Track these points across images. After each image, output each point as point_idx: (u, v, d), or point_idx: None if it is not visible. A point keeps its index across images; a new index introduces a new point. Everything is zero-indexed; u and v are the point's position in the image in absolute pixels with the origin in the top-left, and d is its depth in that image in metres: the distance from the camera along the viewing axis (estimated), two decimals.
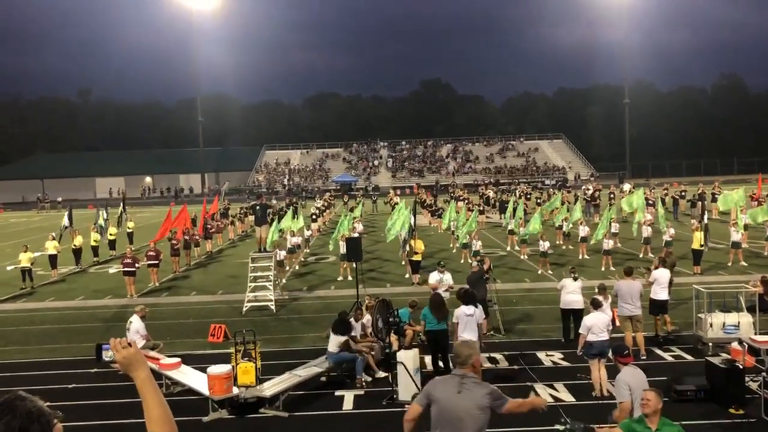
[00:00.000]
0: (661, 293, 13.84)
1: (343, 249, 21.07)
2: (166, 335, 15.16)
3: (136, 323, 12.98)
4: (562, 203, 33.54)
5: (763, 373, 9.67)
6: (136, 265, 20.66)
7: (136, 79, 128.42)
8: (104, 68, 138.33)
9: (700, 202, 35.76)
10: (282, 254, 22.18)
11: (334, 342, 11.87)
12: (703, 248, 20.42)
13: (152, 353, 12.33)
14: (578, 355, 11.96)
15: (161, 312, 18.09)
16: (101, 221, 29.21)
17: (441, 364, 12.09)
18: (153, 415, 2.59)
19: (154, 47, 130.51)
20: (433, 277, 15.40)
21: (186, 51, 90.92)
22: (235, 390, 10.51)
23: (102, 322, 17.30)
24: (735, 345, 11.70)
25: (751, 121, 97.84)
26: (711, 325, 12.65)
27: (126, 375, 2.73)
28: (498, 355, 13.14)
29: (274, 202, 35.83)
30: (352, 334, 12.49)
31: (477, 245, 22.96)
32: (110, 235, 29.77)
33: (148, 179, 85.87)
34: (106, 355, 2.81)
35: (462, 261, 24.20)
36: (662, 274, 13.97)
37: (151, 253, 22.08)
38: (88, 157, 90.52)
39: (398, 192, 57.17)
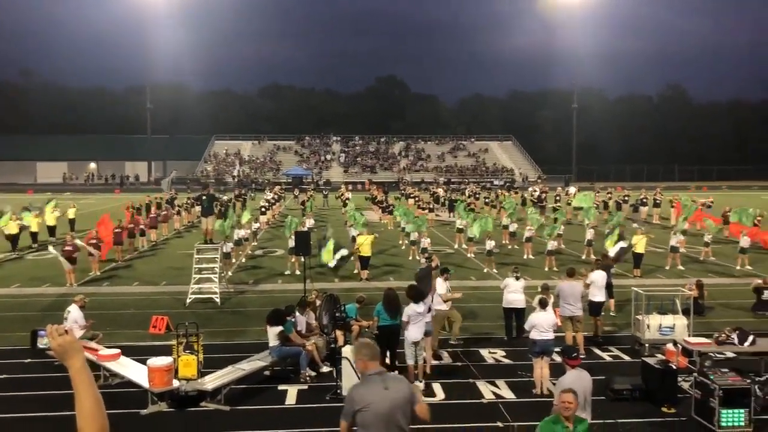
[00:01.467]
0: (597, 295, 14.19)
1: (291, 243, 20.94)
2: (106, 326, 14.76)
3: (74, 313, 12.61)
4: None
5: (695, 374, 10.02)
6: (76, 253, 20.07)
7: (84, 62, 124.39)
8: (50, 50, 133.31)
9: (642, 207, 36.99)
10: (229, 246, 21.89)
11: (272, 334, 11.78)
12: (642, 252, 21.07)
13: (91, 344, 12.03)
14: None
15: (101, 302, 17.62)
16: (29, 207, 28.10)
17: (388, 360, 12.11)
18: (84, 406, 2.51)
19: (104, 31, 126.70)
20: (442, 287, 13.70)
21: (137, 36, 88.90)
22: (176, 383, 10.32)
23: (39, 311, 16.74)
24: (670, 346, 12.10)
25: (692, 131, 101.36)
26: (648, 327, 13.04)
27: (62, 365, 2.64)
28: (443, 352, 13.26)
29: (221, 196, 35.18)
30: (298, 328, 12.42)
31: (425, 242, 23.12)
32: (48, 221, 28.82)
33: (93, 165, 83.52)
34: (42, 342, 2.73)
35: (410, 258, 24.35)
36: (598, 276, 14.33)
37: (93, 241, 21.50)
38: (30, 140, 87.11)
39: (350, 187, 57.02)
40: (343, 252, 20.53)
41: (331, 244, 20.38)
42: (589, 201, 31.65)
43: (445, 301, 13.42)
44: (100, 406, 2.53)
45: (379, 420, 5.09)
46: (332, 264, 20.54)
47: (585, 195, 35.56)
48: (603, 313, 14.70)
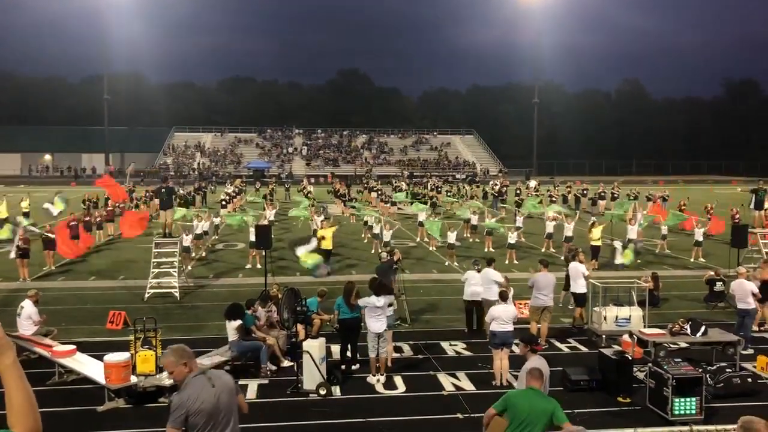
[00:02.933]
0: (575, 286, 14.45)
1: (252, 236, 20.75)
2: (62, 321, 14.44)
3: (28, 308, 12.28)
4: (472, 197, 34.58)
5: (649, 364, 10.26)
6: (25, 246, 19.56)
7: (39, 51, 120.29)
8: (2, 38, 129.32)
9: (600, 201, 37.68)
10: (188, 240, 21.59)
11: (231, 329, 11.67)
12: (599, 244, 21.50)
13: (45, 340, 11.77)
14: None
15: (57, 297, 17.23)
16: None
17: (349, 353, 12.12)
18: (14, 403, 2.41)
19: (59, 19, 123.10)
20: (497, 276, 13.82)
21: (94, 25, 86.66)
22: (134, 379, 10.15)
23: None
24: (626, 337, 12.36)
25: (649, 126, 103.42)
26: (605, 318, 13.29)
27: None
28: (404, 345, 13.32)
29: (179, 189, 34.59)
30: (259, 322, 12.33)
31: (387, 236, 23.14)
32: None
33: (48, 157, 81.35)
34: None
35: (372, 251, 24.36)
36: (570, 268, 14.59)
37: (49, 235, 20.98)
38: None
39: (312, 180, 56.74)
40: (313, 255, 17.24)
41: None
42: (534, 201, 32.80)
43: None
44: (32, 403, 2.44)
45: (212, 417, 5.12)
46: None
47: (532, 198, 36.00)
48: (561, 305, 14.93)
